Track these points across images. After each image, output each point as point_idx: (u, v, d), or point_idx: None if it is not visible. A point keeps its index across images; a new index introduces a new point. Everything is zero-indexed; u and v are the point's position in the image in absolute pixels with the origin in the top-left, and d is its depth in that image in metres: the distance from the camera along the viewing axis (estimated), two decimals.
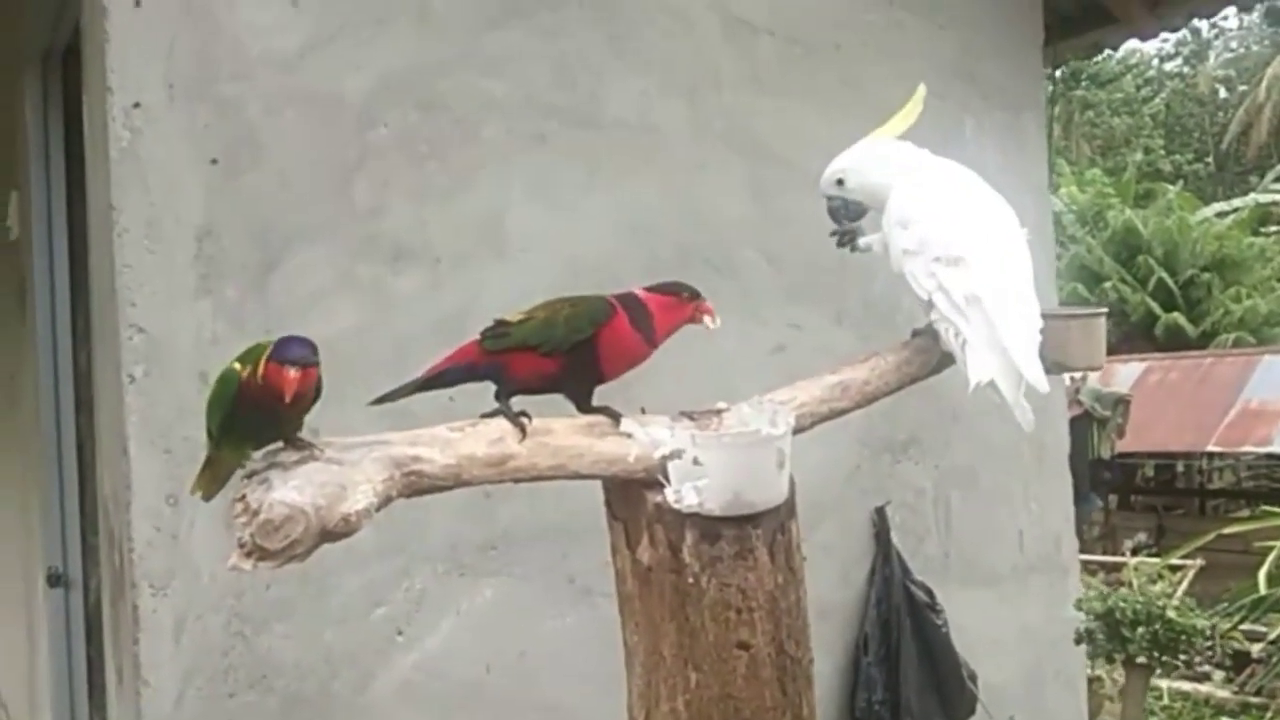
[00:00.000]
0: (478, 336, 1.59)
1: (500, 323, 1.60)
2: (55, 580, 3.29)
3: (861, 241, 1.82)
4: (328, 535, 1.29)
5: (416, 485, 1.40)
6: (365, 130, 2.55)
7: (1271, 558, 5.33)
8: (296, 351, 1.26)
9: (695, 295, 1.62)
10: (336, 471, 1.32)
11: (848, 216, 1.80)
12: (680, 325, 1.62)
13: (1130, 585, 4.73)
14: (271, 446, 1.33)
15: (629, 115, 2.89)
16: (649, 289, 1.61)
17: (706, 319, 1.61)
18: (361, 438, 1.39)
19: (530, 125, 2.75)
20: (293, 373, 1.24)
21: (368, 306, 2.52)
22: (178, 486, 2.30)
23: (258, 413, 1.29)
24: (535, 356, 1.54)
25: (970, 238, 1.68)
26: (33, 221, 3.30)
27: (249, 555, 1.26)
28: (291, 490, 1.27)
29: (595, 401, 1.59)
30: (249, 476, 1.30)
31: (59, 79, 3.25)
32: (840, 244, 1.84)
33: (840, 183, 1.76)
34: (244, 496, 1.28)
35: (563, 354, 1.54)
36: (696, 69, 3.00)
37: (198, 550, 2.32)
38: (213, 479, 1.39)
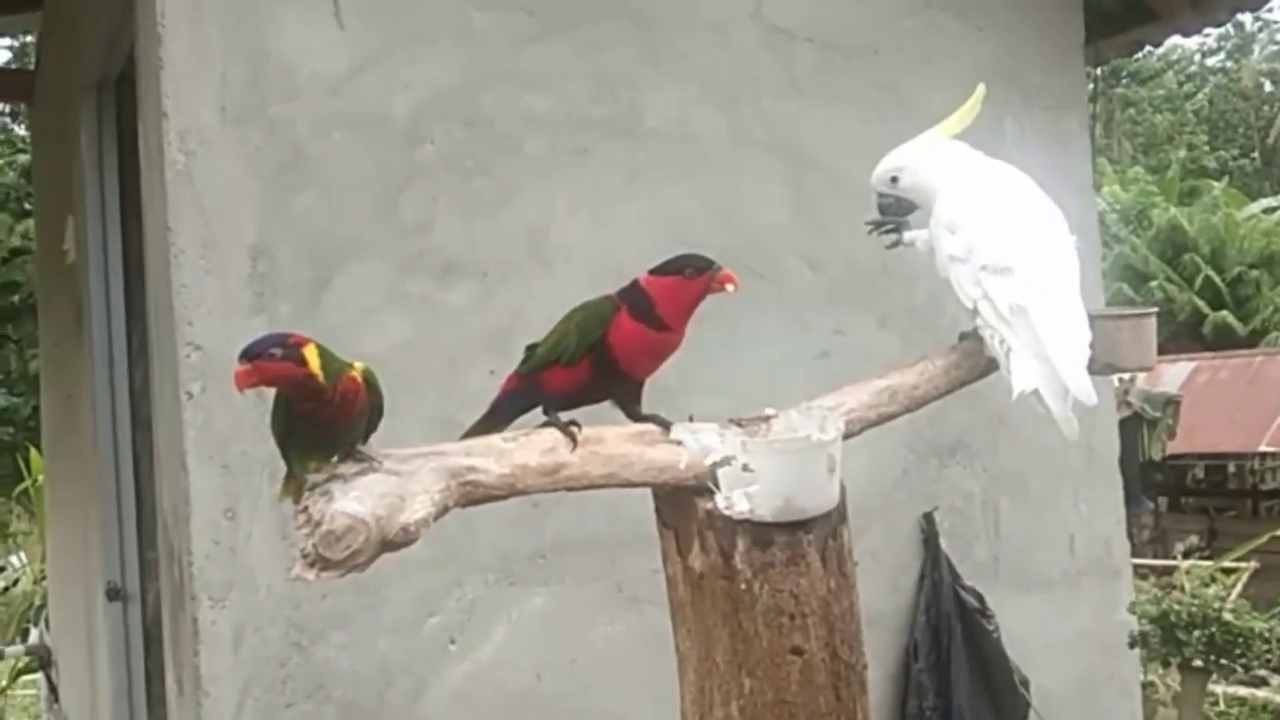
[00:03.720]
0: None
1: (529, 347, 1.63)
2: (114, 594, 3.36)
3: (906, 236, 1.81)
4: (388, 545, 1.31)
5: (472, 495, 1.43)
6: (412, 148, 2.60)
7: None
8: (247, 346, 1.27)
9: (703, 267, 1.53)
10: (395, 482, 1.34)
11: (897, 212, 1.79)
12: (695, 301, 1.54)
13: (1182, 589, 4.65)
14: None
15: (669, 125, 2.92)
16: (653, 271, 1.55)
17: (729, 286, 1.52)
18: (418, 449, 1.41)
19: (572, 138, 2.79)
20: (237, 366, 1.26)
21: (418, 321, 2.57)
22: (235, 501, 2.36)
23: (308, 422, 1.32)
24: (561, 369, 1.56)
25: (1018, 246, 1.67)
26: (89, 245, 3.39)
27: (311, 565, 1.29)
28: (352, 501, 1.29)
29: (645, 409, 1.61)
30: (311, 489, 1.33)
31: (113, 106, 3.35)
32: (878, 232, 1.84)
33: (895, 180, 1.76)
34: (306, 508, 1.30)
35: (584, 360, 1.55)
36: (735, 78, 3.02)
37: (255, 563, 2.37)
38: (298, 487, 1.43)
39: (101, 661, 3.45)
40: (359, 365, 1.35)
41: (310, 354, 1.28)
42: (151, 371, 2.73)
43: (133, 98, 2.75)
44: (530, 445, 1.49)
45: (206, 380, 2.32)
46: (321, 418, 1.31)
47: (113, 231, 3.35)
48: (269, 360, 1.26)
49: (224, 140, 2.38)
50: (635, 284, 1.57)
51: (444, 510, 1.39)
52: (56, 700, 4.84)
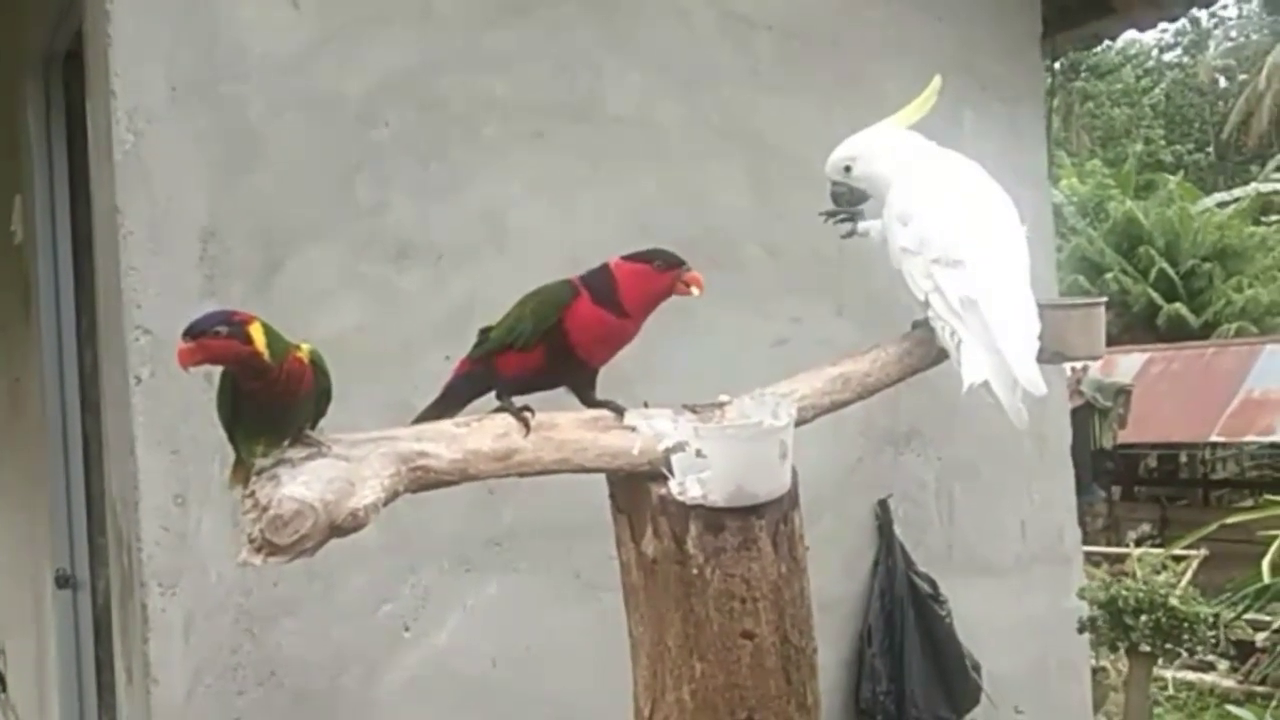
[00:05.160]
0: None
1: (483, 331, 1.62)
2: (63, 582, 3.31)
3: (860, 226, 1.82)
4: (336, 530, 1.30)
5: (423, 480, 1.42)
6: (366, 130, 2.57)
7: (1275, 547, 5.33)
8: (192, 323, 1.26)
9: (673, 264, 1.53)
10: (344, 467, 1.33)
11: (850, 202, 1.80)
12: (658, 295, 1.54)
13: (1134, 576, 4.74)
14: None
15: (628, 111, 2.91)
16: (625, 257, 1.55)
17: (694, 289, 1.52)
18: (368, 433, 1.40)
19: (530, 122, 2.77)
20: (181, 343, 1.25)
21: (371, 305, 2.54)
22: (185, 486, 2.32)
23: (254, 404, 1.31)
24: (515, 354, 1.55)
25: (970, 239, 1.68)
26: (36, 225, 3.32)
27: (259, 551, 1.27)
28: (300, 486, 1.28)
29: (599, 396, 1.60)
30: (258, 474, 1.31)
31: (60, 83, 3.27)
32: (832, 222, 1.84)
33: (848, 169, 1.77)
34: (253, 493, 1.29)
35: (539, 345, 1.54)
36: (695, 64, 3.01)
37: (206, 549, 2.34)
38: (248, 473, 1.41)
39: (50, 650, 3.40)
40: (306, 346, 1.34)
41: (256, 332, 1.26)
42: (100, 355, 2.69)
43: (81, 75, 2.70)
44: (483, 430, 1.48)
45: (155, 364, 2.28)
46: (267, 398, 1.29)
47: (61, 212, 3.28)
48: (213, 338, 1.25)
49: (174, 119, 2.34)
50: (604, 267, 1.56)
51: (394, 495, 1.38)
52: (4, 690, 4.76)
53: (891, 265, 1.75)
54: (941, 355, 1.78)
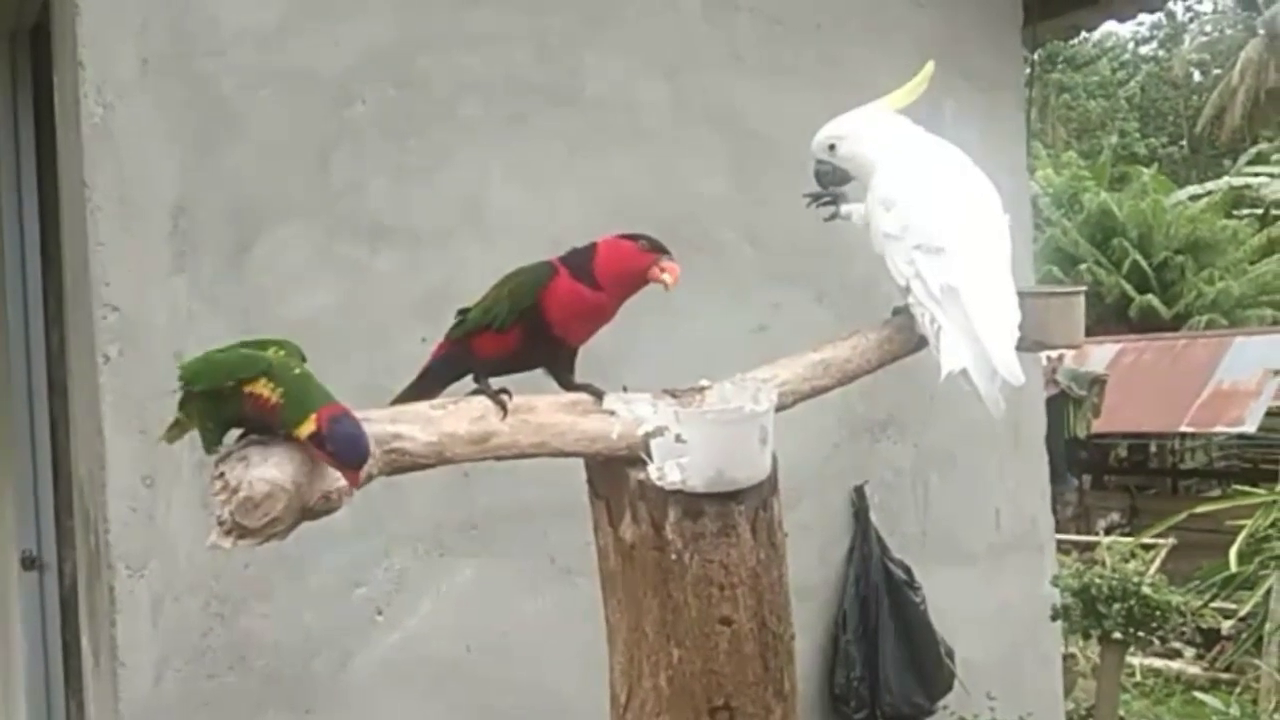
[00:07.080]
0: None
1: (461, 312, 1.60)
2: (29, 563, 3.26)
3: (843, 209, 1.81)
4: (308, 513, 1.28)
5: (398, 463, 1.39)
6: (343, 107, 2.53)
7: (1242, 536, 5.41)
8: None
9: (656, 248, 1.51)
10: None
11: (834, 181, 1.78)
12: (633, 274, 1.51)
13: (1104, 564, 4.78)
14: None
15: (609, 94, 2.88)
16: (615, 236, 1.54)
17: (666, 277, 1.49)
18: None
19: (510, 104, 2.74)
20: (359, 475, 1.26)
21: (346, 285, 2.51)
22: (154, 467, 2.29)
23: (248, 423, 1.28)
24: (493, 335, 1.53)
25: (952, 227, 1.67)
26: (2, 202, 3.25)
27: (228, 533, 1.25)
28: (271, 467, 1.25)
29: (578, 379, 1.58)
30: (227, 455, 1.29)
31: (27, 56, 3.20)
32: (816, 204, 1.83)
33: (832, 148, 1.75)
34: (223, 474, 1.26)
35: (516, 326, 1.52)
36: (677, 47, 2.99)
37: (174, 531, 2.31)
38: (182, 432, 1.38)
39: (16, 632, 3.35)
40: (276, 355, 1.30)
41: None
42: (68, 333, 2.64)
43: (48, 48, 2.64)
44: (459, 413, 1.45)
45: (124, 343, 2.25)
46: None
47: (28, 187, 3.21)
48: None
49: (144, 93, 2.29)
50: (589, 245, 1.55)
51: (369, 478, 1.36)
52: None
53: (873, 250, 1.74)
54: (921, 342, 1.77)
